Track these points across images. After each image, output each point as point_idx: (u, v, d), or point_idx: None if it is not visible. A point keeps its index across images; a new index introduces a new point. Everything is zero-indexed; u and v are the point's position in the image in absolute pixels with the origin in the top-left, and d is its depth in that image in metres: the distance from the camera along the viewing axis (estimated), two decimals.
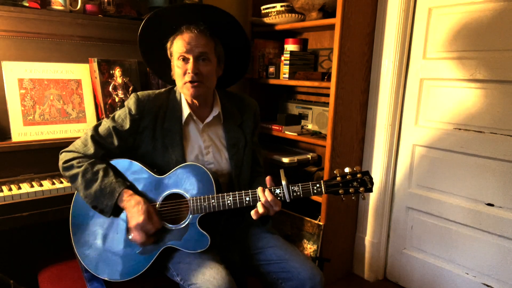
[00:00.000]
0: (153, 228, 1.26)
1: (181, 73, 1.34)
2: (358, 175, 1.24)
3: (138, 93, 1.40)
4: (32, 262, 1.56)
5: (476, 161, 1.86)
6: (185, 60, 1.33)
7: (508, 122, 1.74)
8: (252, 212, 1.25)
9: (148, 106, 1.37)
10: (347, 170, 1.26)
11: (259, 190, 1.25)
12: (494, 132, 1.79)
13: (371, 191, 1.25)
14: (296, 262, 1.31)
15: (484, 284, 1.89)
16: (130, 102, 1.37)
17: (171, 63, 1.42)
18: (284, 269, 1.32)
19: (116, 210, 1.29)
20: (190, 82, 1.33)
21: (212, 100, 1.46)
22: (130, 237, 1.30)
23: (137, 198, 1.27)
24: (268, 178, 1.28)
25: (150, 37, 1.44)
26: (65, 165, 1.32)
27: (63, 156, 1.34)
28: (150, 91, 1.43)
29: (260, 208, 1.24)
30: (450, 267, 2.02)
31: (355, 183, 1.24)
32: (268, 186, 1.27)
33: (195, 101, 1.40)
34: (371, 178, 1.25)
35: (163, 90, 1.47)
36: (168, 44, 1.39)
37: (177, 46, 1.34)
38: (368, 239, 2.28)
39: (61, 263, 1.52)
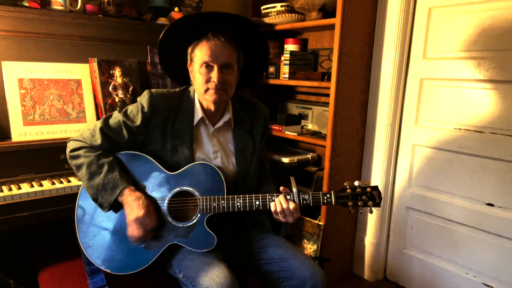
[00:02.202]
0: (151, 223, 1.26)
1: (204, 80, 1.33)
2: (368, 189, 1.28)
3: (152, 90, 1.39)
4: (32, 262, 1.56)
5: (476, 161, 1.86)
6: (209, 67, 1.32)
7: (508, 122, 1.74)
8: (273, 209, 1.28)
9: (161, 105, 1.36)
10: (356, 183, 1.29)
11: (281, 196, 1.27)
12: (494, 132, 1.79)
13: (379, 206, 1.28)
14: (297, 261, 1.32)
15: (484, 284, 1.89)
16: (144, 99, 1.36)
17: (189, 67, 1.41)
18: (285, 268, 1.33)
19: (115, 207, 1.29)
20: (214, 89, 1.32)
21: (224, 105, 1.45)
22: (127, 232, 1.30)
23: (138, 193, 1.28)
24: (282, 188, 1.29)
25: (171, 39, 1.41)
26: (72, 153, 1.32)
27: (71, 144, 1.35)
28: (164, 90, 1.42)
29: (278, 207, 1.26)
30: (450, 267, 2.02)
31: (364, 197, 1.27)
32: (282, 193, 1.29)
33: (212, 106, 1.38)
34: (379, 193, 1.28)
35: (177, 90, 1.46)
36: (190, 49, 1.38)
37: (201, 53, 1.32)
38: (368, 239, 2.28)
39: (61, 263, 1.52)
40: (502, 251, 1.81)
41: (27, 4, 1.68)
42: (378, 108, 2.13)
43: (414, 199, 2.12)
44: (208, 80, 1.32)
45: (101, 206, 1.29)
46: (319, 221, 2.10)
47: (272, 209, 1.27)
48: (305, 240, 2.15)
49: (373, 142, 2.18)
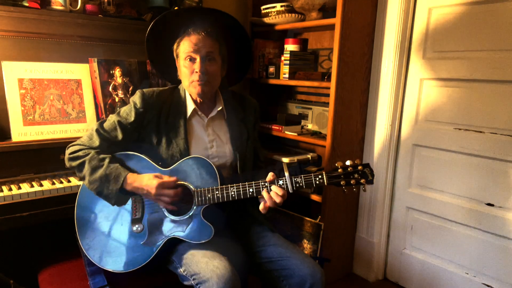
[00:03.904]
0: (170, 181, 1.30)
1: (188, 72, 1.40)
2: (359, 167, 1.28)
3: (143, 89, 1.45)
4: (32, 262, 1.56)
5: (476, 161, 1.86)
6: (192, 60, 1.39)
7: (508, 122, 1.74)
8: (261, 208, 1.30)
9: (153, 100, 1.42)
10: (348, 162, 1.29)
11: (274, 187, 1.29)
12: (494, 132, 1.79)
13: (372, 183, 1.28)
14: (297, 260, 1.33)
15: (484, 284, 1.89)
16: (135, 97, 1.42)
17: (177, 64, 1.47)
18: (285, 266, 1.33)
19: (121, 198, 1.32)
20: (198, 80, 1.38)
21: (215, 97, 1.52)
22: (134, 228, 1.33)
23: (141, 175, 1.32)
24: (271, 174, 1.31)
25: (157, 39, 1.49)
26: (71, 155, 1.35)
27: (70, 149, 1.38)
28: (155, 88, 1.48)
29: (268, 201, 1.28)
30: (450, 267, 2.02)
31: (356, 175, 1.27)
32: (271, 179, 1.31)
33: (198, 99, 1.45)
34: (371, 170, 1.28)
35: (167, 87, 1.52)
36: (175, 46, 1.45)
37: (184, 47, 1.39)
38: (368, 239, 2.28)
39: (61, 263, 1.52)
40: (502, 251, 1.81)
41: (27, 4, 1.68)
42: (378, 108, 2.13)
43: (414, 199, 2.12)
44: (192, 72, 1.39)
45: (107, 198, 1.31)
46: (319, 221, 2.10)
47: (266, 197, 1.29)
48: (305, 240, 2.15)
49: (373, 142, 2.18)
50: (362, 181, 1.27)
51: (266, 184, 1.30)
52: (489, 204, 1.83)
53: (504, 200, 1.78)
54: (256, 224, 1.49)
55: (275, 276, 1.35)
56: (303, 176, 1.29)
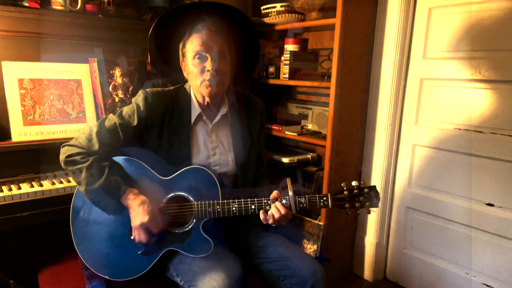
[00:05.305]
0: (156, 228, 1.25)
1: (198, 71, 1.31)
2: (365, 190, 1.25)
3: (147, 89, 1.37)
4: (32, 262, 1.56)
5: (476, 161, 1.86)
6: (202, 58, 1.30)
7: (508, 122, 1.74)
8: (262, 218, 1.27)
9: (157, 104, 1.34)
10: (354, 183, 1.26)
11: (275, 204, 1.26)
12: (494, 132, 1.79)
13: (377, 206, 1.26)
14: (297, 259, 1.32)
15: (484, 284, 1.89)
16: (139, 99, 1.34)
17: (182, 64, 1.39)
18: (285, 266, 1.32)
19: (119, 209, 1.27)
20: (209, 79, 1.30)
21: (220, 100, 1.43)
22: (132, 237, 1.29)
23: (143, 197, 1.25)
24: (276, 193, 1.28)
25: (160, 38, 1.41)
26: (68, 159, 1.28)
27: (66, 150, 1.30)
28: (159, 88, 1.40)
29: (272, 214, 1.26)
30: (450, 267, 2.02)
31: (361, 198, 1.24)
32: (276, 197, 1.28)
33: (207, 99, 1.37)
34: (377, 194, 1.25)
35: (172, 88, 1.44)
36: (180, 45, 1.37)
37: (193, 45, 1.30)
38: (368, 239, 2.28)
39: (61, 263, 1.52)
40: (502, 251, 1.81)
41: (27, 4, 1.68)
42: (378, 108, 2.13)
43: (414, 199, 2.12)
44: (202, 70, 1.30)
45: (104, 209, 1.27)
46: (319, 221, 2.10)
47: (270, 221, 1.26)
48: (305, 240, 2.15)
49: (373, 142, 2.18)
50: (367, 204, 1.24)
51: (269, 202, 1.27)
52: (489, 204, 1.83)
53: (504, 200, 1.78)
54: (255, 227, 1.47)
55: (275, 276, 1.34)
56: (307, 197, 1.25)
